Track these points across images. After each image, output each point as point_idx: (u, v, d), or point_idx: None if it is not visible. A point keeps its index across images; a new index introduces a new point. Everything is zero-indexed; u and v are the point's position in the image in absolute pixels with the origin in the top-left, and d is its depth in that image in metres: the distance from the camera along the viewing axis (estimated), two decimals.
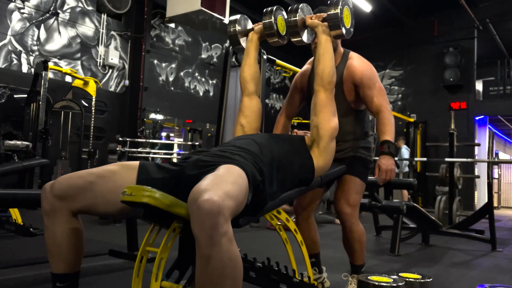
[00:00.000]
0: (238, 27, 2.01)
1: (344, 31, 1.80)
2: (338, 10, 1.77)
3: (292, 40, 1.95)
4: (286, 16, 1.95)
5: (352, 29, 1.87)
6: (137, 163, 1.47)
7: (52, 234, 1.35)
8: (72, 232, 1.36)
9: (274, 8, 1.91)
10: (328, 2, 1.82)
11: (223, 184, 1.15)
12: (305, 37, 1.92)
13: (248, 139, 1.65)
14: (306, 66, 2.27)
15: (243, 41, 2.03)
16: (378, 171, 1.94)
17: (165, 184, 1.40)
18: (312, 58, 2.21)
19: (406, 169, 8.77)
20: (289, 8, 1.90)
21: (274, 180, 1.54)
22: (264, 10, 1.93)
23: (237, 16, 2.04)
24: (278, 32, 1.91)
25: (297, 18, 1.86)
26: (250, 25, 2.06)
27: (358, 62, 2.08)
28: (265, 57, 5.10)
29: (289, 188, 1.66)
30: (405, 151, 8.79)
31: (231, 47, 5.22)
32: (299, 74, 2.30)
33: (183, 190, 1.31)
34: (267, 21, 1.91)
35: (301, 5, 1.89)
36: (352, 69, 2.06)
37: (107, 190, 1.37)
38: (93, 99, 6.67)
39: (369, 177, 2.33)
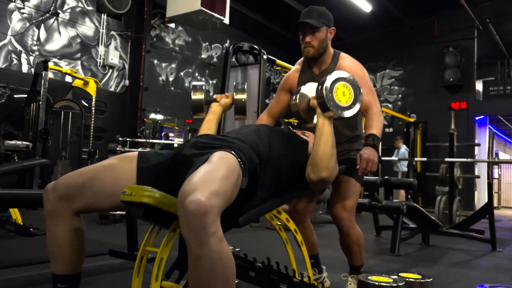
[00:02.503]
0: (203, 95, 1.95)
1: (336, 112, 1.65)
2: (323, 91, 1.64)
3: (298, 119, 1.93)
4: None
5: (354, 105, 1.69)
6: (135, 153, 1.48)
7: (53, 235, 1.36)
8: (74, 234, 1.37)
9: (245, 86, 1.92)
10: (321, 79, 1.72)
11: (211, 182, 1.14)
12: (314, 117, 1.84)
13: (249, 128, 1.66)
14: (296, 67, 2.24)
15: (204, 109, 1.96)
16: (359, 160, 1.81)
17: (165, 167, 1.42)
18: (302, 59, 2.19)
19: (405, 169, 8.78)
20: (294, 94, 1.86)
21: (270, 169, 1.54)
22: (235, 85, 1.93)
23: (203, 84, 2.00)
24: (245, 109, 1.91)
25: (297, 100, 1.82)
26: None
27: (349, 63, 2.05)
28: (265, 57, 5.11)
29: (286, 182, 1.65)
30: (405, 151, 8.81)
31: (231, 47, 5.23)
32: (288, 75, 2.26)
33: (181, 171, 1.33)
34: (240, 98, 1.88)
35: (307, 84, 1.85)
36: (344, 69, 2.04)
37: (108, 184, 1.38)
38: (93, 99, 6.67)
39: (369, 177, 2.32)
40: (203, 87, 1.97)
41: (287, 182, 1.66)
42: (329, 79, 1.65)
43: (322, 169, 1.61)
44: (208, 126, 1.87)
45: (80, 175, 1.38)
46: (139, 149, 1.48)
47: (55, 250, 1.36)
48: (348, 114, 1.68)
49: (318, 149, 1.63)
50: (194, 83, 2.00)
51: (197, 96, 1.93)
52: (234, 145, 1.42)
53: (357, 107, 1.70)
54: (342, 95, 1.67)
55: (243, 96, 1.89)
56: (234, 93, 1.91)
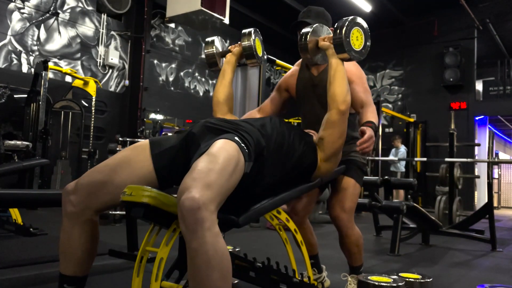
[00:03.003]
0: (215, 49, 2.02)
1: (350, 54, 1.74)
2: (343, 32, 1.71)
3: (306, 61, 1.93)
4: (261, 38, 1.99)
5: (364, 50, 1.79)
6: (146, 141, 1.51)
7: (69, 236, 1.37)
8: (90, 236, 1.39)
9: (252, 30, 1.94)
10: (335, 25, 1.77)
11: (206, 178, 1.17)
12: (321, 59, 1.89)
13: (254, 118, 1.72)
14: (295, 68, 2.24)
15: (219, 62, 2.04)
16: (361, 134, 1.79)
17: (178, 150, 1.48)
18: (301, 60, 2.19)
19: (404, 169, 8.80)
20: (302, 31, 1.86)
21: (277, 153, 1.56)
22: (243, 32, 1.96)
23: (214, 38, 2.05)
24: (256, 53, 1.93)
25: (309, 39, 1.82)
26: (225, 46, 2.08)
27: (348, 63, 2.06)
28: (265, 57, 5.11)
29: (290, 174, 1.65)
30: (405, 151, 8.83)
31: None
32: (287, 75, 2.26)
33: (192, 149, 1.41)
34: (246, 43, 1.92)
35: (315, 25, 1.84)
36: None
37: (127, 176, 1.40)
38: (93, 99, 6.67)
39: (369, 177, 2.31)
40: (214, 41, 2.02)
41: (292, 168, 1.66)
42: (348, 23, 1.72)
43: (340, 103, 1.71)
44: (223, 76, 1.96)
45: (100, 173, 1.40)
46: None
47: (68, 251, 1.37)
48: (358, 58, 1.78)
49: (335, 85, 1.73)
50: (207, 39, 2.05)
51: (208, 50, 2.01)
52: (241, 127, 1.46)
53: (365, 53, 1.80)
54: (356, 40, 1.75)
55: (249, 41, 1.92)
56: (241, 39, 1.94)
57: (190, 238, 1.11)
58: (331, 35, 1.80)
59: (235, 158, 1.30)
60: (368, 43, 1.81)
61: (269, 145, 1.52)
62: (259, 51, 1.97)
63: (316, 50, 1.85)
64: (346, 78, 1.75)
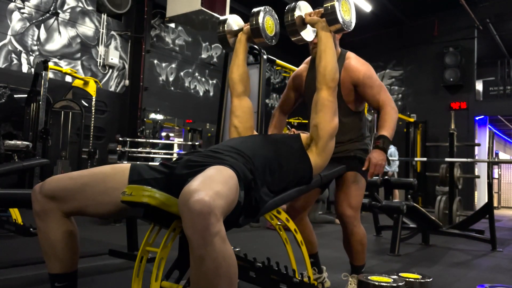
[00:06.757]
0: (227, 28, 2.00)
1: (343, 25, 1.75)
2: (335, 3, 1.72)
3: (292, 39, 1.94)
4: (275, 17, 1.97)
5: (353, 22, 1.82)
6: (128, 165, 1.46)
7: (45, 235, 1.35)
8: (66, 232, 1.36)
9: (262, 8, 1.91)
10: None
11: (213, 184, 1.13)
12: (306, 35, 1.90)
13: (240, 141, 1.64)
14: (303, 65, 2.26)
15: (232, 42, 2.02)
16: (368, 163, 1.91)
17: (157, 184, 1.39)
18: (309, 58, 2.20)
19: (397, 169, 8.80)
20: (286, 7, 1.87)
21: (269, 181, 1.53)
22: (252, 11, 1.93)
23: (226, 16, 2.03)
24: (265, 32, 1.91)
25: (295, 16, 1.84)
26: (241, 25, 2.05)
27: (356, 62, 2.07)
28: (265, 57, 5.11)
29: (287, 189, 1.65)
30: (395, 151, 8.84)
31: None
32: (296, 73, 2.30)
33: (174, 191, 1.30)
34: (253, 22, 1.90)
35: (299, 2, 1.86)
36: (351, 69, 2.05)
37: (98, 192, 1.36)
38: (93, 99, 6.67)
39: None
40: (226, 20, 2.01)
41: (289, 183, 1.65)
42: None
43: (330, 80, 1.72)
44: (236, 56, 1.97)
45: (71, 180, 1.36)
46: (134, 161, 1.50)
47: (48, 250, 1.36)
48: (349, 28, 1.80)
49: (327, 61, 1.73)
50: (220, 18, 2.06)
51: (219, 30, 2.02)
52: (226, 162, 1.38)
53: (354, 23, 1.83)
54: (345, 11, 1.78)
55: (256, 19, 1.90)
56: (250, 17, 1.94)
57: (198, 243, 1.05)
58: (317, 10, 1.84)
59: (235, 178, 1.27)
60: (353, 15, 1.84)
61: (255, 177, 1.45)
62: (270, 30, 1.93)
63: (302, 27, 1.87)
64: (335, 53, 1.77)
